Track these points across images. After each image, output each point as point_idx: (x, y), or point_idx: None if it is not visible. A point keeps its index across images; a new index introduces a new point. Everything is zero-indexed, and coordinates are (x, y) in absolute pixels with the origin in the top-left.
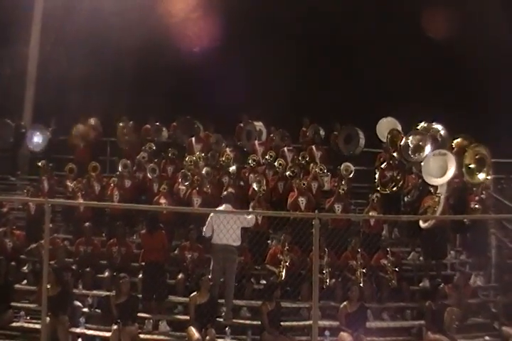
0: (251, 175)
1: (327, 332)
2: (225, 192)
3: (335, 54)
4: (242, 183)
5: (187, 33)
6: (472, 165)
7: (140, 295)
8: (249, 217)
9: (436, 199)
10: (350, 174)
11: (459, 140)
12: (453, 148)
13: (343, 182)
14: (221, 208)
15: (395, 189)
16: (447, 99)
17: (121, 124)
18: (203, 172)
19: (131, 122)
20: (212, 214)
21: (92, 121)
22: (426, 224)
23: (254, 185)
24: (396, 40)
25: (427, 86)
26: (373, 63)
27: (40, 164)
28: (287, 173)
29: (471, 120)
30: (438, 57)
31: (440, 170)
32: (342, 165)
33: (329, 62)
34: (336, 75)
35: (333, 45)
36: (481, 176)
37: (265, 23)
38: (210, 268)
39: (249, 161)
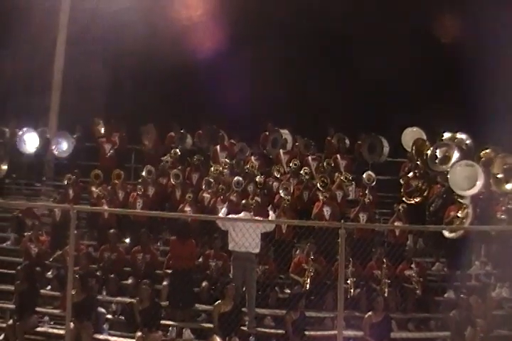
0: (275, 183)
1: None
2: (243, 201)
3: (361, 65)
4: (265, 192)
5: (213, 40)
6: (500, 175)
7: (163, 303)
8: (270, 217)
9: (465, 211)
10: (372, 183)
11: (487, 151)
12: (481, 159)
13: (366, 191)
14: (241, 216)
15: (420, 199)
16: (472, 110)
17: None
18: (234, 180)
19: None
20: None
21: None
22: (453, 235)
23: (281, 192)
24: (422, 51)
25: (452, 96)
26: (398, 74)
27: (66, 181)
28: (318, 184)
29: (496, 130)
30: (463, 69)
31: (466, 181)
32: (364, 174)
33: (355, 72)
34: (361, 86)
35: (361, 55)
36: (509, 186)
37: (289, 29)
38: (231, 276)
39: (275, 173)
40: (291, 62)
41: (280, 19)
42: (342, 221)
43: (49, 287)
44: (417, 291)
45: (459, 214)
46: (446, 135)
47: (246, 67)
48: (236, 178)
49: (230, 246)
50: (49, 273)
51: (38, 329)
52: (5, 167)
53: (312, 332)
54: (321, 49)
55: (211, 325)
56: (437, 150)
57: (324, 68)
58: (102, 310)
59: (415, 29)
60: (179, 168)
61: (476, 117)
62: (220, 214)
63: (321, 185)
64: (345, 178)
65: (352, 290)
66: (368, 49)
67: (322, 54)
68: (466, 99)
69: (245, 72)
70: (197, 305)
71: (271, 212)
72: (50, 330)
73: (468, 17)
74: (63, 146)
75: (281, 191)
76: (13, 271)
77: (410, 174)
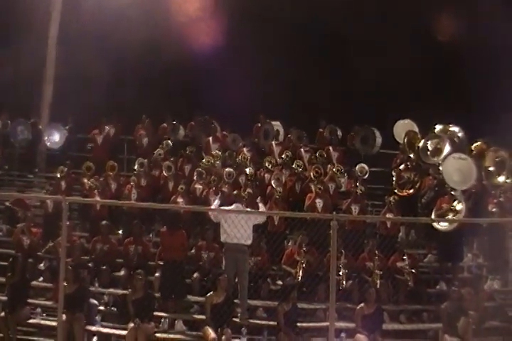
0: (266, 174)
1: (343, 334)
2: (235, 192)
3: (353, 56)
4: (257, 183)
5: (205, 32)
6: (492, 168)
7: (157, 294)
8: (260, 209)
9: (459, 205)
10: (365, 175)
11: (478, 144)
12: (472, 152)
13: (357, 184)
14: (232, 207)
15: (411, 191)
16: (465, 102)
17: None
18: (225, 172)
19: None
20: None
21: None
22: (445, 227)
23: (273, 183)
24: (415, 43)
25: (444, 88)
26: (390, 66)
27: (58, 175)
28: (312, 175)
29: (489, 122)
30: (455, 60)
31: (458, 173)
32: (357, 167)
33: (347, 64)
34: (353, 77)
35: (351, 47)
36: (501, 179)
37: (281, 23)
38: (223, 267)
39: (266, 164)
40: (283, 56)
41: (273, 13)
42: (334, 212)
43: (41, 278)
44: (409, 283)
45: (452, 207)
46: (438, 127)
47: (239, 60)
48: (227, 170)
49: (222, 238)
50: (41, 264)
51: (31, 321)
52: None
53: (304, 324)
54: (313, 42)
55: (203, 317)
56: (429, 142)
57: (316, 60)
58: (94, 301)
59: (409, 21)
60: (171, 159)
61: (472, 109)
62: (213, 206)
63: (314, 176)
64: (338, 170)
65: (344, 282)
66: (360, 43)
67: (314, 48)
68: (461, 91)
69: (239, 64)
70: (189, 297)
71: (261, 204)
72: (43, 322)
73: (465, 15)
74: (55, 138)
75: (273, 182)
76: (6, 263)
77: (402, 166)
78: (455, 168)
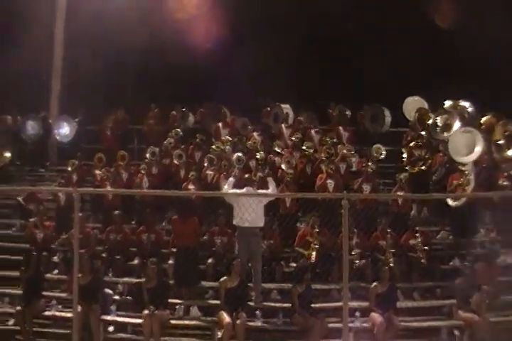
0: (277, 158)
1: (358, 313)
2: (246, 175)
3: (359, 36)
4: (268, 167)
5: (212, 21)
6: (501, 142)
7: (171, 281)
8: (270, 190)
9: (467, 178)
10: (380, 156)
11: (487, 117)
12: (481, 126)
13: (369, 163)
14: (243, 191)
15: (423, 168)
16: (473, 76)
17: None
18: (234, 158)
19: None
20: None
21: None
22: (456, 203)
23: (283, 166)
24: (421, 20)
25: (452, 65)
26: (397, 43)
27: (69, 168)
28: (323, 155)
29: (497, 97)
30: (463, 37)
31: (466, 148)
32: (373, 147)
33: (354, 43)
34: (359, 57)
35: (358, 27)
36: (511, 152)
37: (286, 8)
38: (236, 251)
39: (275, 148)
40: (291, 39)
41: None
42: (345, 191)
43: (56, 271)
44: (422, 260)
45: (459, 182)
46: (448, 103)
47: (247, 44)
48: (236, 155)
49: (235, 222)
50: (55, 257)
51: (46, 313)
52: (8, 154)
53: (318, 305)
54: (321, 24)
55: (218, 302)
56: (438, 119)
57: (322, 40)
58: (109, 291)
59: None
60: (182, 147)
61: (480, 84)
62: (227, 185)
63: (326, 157)
64: (348, 150)
65: (357, 261)
66: (368, 21)
67: (322, 30)
68: (468, 66)
69: (247, 49)
70: (203, 283)
71: (269, 179)
72: (58, 314)
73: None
74: (65, 130)
75: (283, 165)
76: (20, 257)
77: (412, 143)
78: (463, 143)
